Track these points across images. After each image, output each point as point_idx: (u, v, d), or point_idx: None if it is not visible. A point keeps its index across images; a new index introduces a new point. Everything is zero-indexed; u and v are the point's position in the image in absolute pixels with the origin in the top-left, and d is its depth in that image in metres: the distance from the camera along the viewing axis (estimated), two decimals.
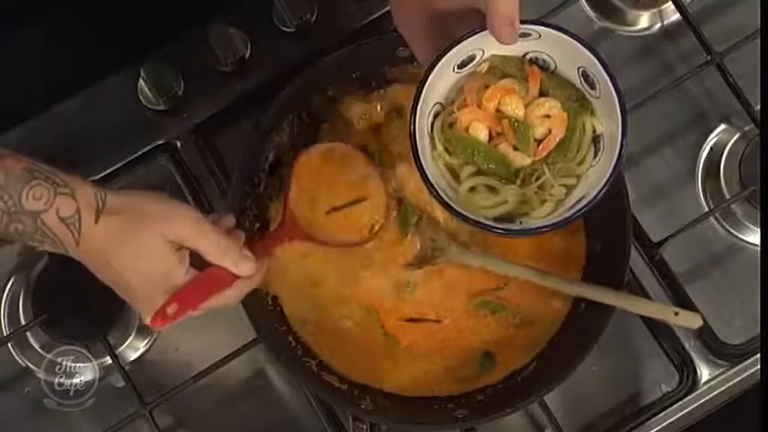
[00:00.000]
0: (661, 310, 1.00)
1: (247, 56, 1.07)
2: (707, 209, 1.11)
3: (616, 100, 0.81)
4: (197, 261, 0.85)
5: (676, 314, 0.94)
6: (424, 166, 0.82)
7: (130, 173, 1.10)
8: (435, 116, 0.85)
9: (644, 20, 1.15)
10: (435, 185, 0.82)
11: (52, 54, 1.14)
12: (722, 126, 1.13)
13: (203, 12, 1.08)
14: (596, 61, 0.81)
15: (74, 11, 1.11)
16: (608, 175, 0.81)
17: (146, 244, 0.81)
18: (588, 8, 1.15)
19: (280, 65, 1.09)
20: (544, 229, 0.83)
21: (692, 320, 0.94)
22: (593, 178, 0.83)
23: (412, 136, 0.82)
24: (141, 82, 1.06)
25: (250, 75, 1.09)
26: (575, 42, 0.81)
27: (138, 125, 1.09)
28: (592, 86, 0.83)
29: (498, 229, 0.82)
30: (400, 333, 1.05)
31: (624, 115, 0.81)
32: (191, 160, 1.10)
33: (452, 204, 0.82)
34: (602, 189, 0.81)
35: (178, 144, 1.10)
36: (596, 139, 0.85)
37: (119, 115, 1.09)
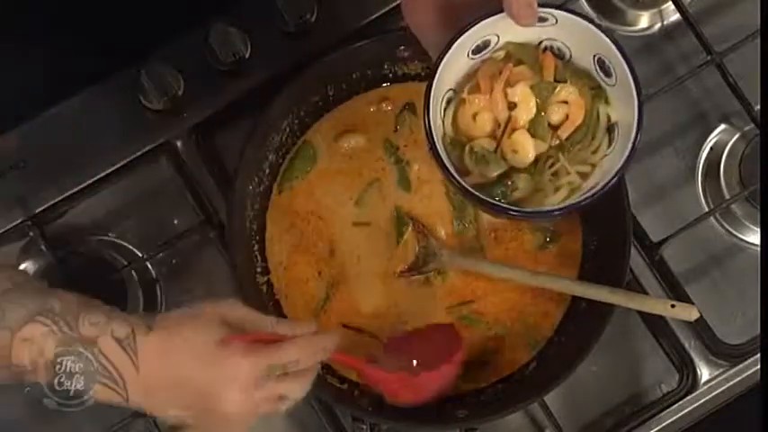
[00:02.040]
0: (657, 304, 1.00)
1: (247, 56, 1.07)
2: (707, 209, 1.11)
3: (633, 86, 0.80)
4: None
5: (673, 306, 0.94)
6: (439, 149, 0.80)
7: (131, 173, 1.10)
8: (448, 102, 0.84)
9: (644, 20, 1.15)
10: (450, 168, 0.80)
11: (52, 54, 1.14)
12: (722, 126, 1.13)
13: (203, 12, 1.08)
14: (614, 47, 0.80)
15: (74, 11, 1.11)
16: (622, 162, 0.80)
17: (200, 329, 0.78)
18: (588, 8, 1.15)
19: (280, 65, 1.08)
20: (557, 212, 0.81)
21: (688, 312, 0.94)
22: (606, 167, 0.82)
23: (426, 120, 0.79)
24: (141, 82, 1.06)
25: (250, 75, 1.09)
26: (592, 28, 0.80)
27: (138, 125, 1.09)
28: (607, 74, 0.82)
29: (513, 211, 0.81)
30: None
31: (641, 102, 0.79)
32: (191, 160, 1.10)
33: (467, 186, 0.80)
34: (615, 176, 0.80)
35: (178, 144, 1.09)
36: (611, 128, 0.83)
37: (119, 115, 1.09)
